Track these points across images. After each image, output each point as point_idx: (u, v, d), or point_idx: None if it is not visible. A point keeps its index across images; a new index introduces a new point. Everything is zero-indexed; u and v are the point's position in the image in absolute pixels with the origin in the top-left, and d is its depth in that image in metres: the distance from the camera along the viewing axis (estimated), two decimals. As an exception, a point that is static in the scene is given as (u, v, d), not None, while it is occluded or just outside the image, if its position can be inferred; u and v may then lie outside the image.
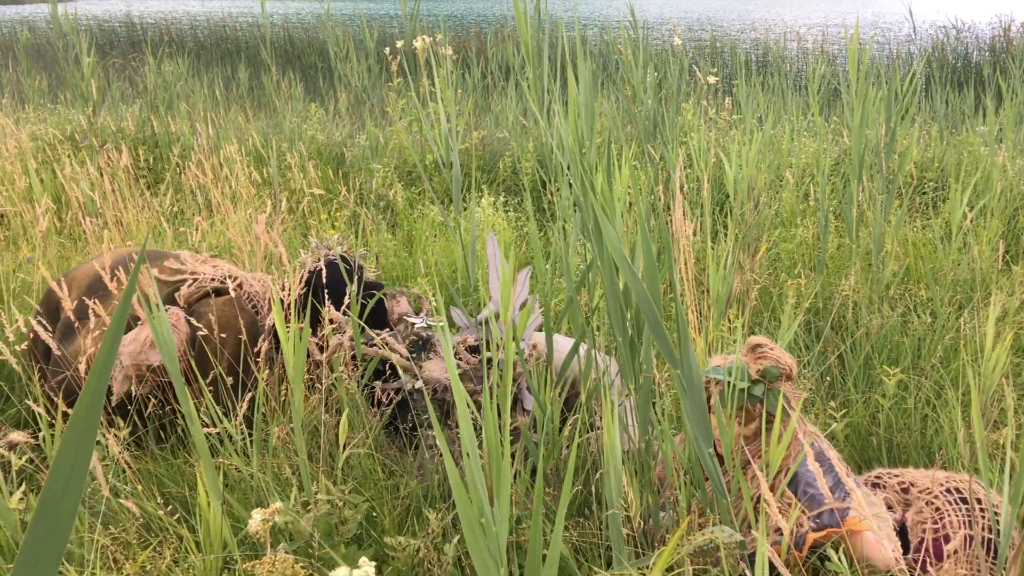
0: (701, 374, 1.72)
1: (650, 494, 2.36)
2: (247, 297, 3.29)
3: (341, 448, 2.51)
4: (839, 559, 1.82)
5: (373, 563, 1.46)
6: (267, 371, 3.03)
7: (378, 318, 3.27)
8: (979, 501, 2.42)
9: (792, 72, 11.77)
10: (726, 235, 4.59)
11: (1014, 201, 4.99)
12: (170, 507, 2.51)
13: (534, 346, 2.93)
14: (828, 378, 3.53)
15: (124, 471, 2.55)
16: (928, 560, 2.38)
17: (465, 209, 5.04)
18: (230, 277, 3.27)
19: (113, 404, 2.94)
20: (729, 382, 2.32)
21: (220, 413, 2.53)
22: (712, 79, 6.51)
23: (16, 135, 6.77)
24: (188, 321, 3.02)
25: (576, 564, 2.33)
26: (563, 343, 3.09)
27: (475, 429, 2.59)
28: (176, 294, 3.14)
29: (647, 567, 1.85)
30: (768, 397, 2.41)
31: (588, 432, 2.62)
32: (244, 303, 3.20)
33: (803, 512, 2.30)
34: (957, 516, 2.41)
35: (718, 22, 21.40)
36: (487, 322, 2.86)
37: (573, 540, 2.39)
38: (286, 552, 2.21)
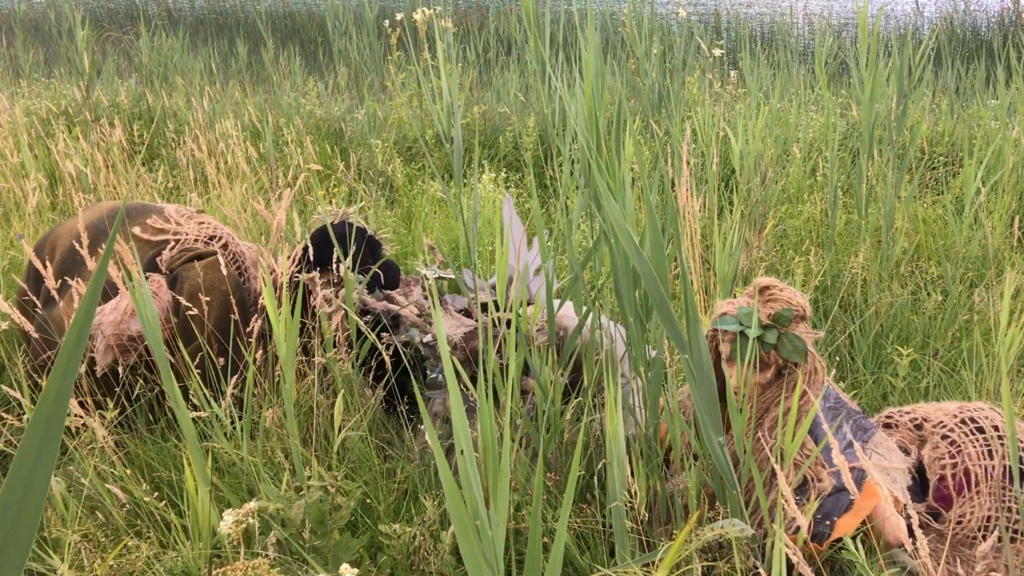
0: (710, 360, 1.62)
1: (657, 479, 2.28)
2: (232, 258, 3.19)
3: (336, 431, 2.43)
4: (855, 548, 1.73)
5: (355, 570, 1.38)
6: (259, 351, 2.94)
7: (391, 282, 3.20)
8: (996, 428, 2.31)
9: (798, 46, 11.60)
10: (732, 211, 4.48)
11: (1026, 176, 4.87)
12: (156, 493, 2.43)
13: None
14: (837, 358, 3.44)
15: (112, 454, 2.47)
16: (950, 497, 2.28)
17: (466, 185, 4.94)
18: (214, 237, 3.17)
19: (98, 375, 2.86)
20: (741, 332, 2.19)
21: (208, 394, 2.45)
22: (717, 51, 6.38)
23: (10, 110, 6.66)
24: (172, 287, 2.94)
25: (578, 551, 2.25)
26: (571, 310, 2.97)
27: (466, 403, 2.51)
28: (158, 259, 3.04)
29: (653, 564, 1.77)
30: (783, 343, 2.27)
31: (593, 414, 2.53)
32: (229, 266, 3.11)
33: (821, 469, 2.20)
34: (975, 448, 2.30)
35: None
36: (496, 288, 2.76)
37: (575, 526, 2.32)
38: (278, 539, 2.14)
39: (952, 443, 2.34)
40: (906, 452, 2.46)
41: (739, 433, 1.88)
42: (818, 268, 4.00)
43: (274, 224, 3.26)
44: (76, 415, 2.30)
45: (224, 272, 3.02)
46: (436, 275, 3.17)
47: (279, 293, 2.86)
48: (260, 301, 3.07)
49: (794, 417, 1.94)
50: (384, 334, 2.98)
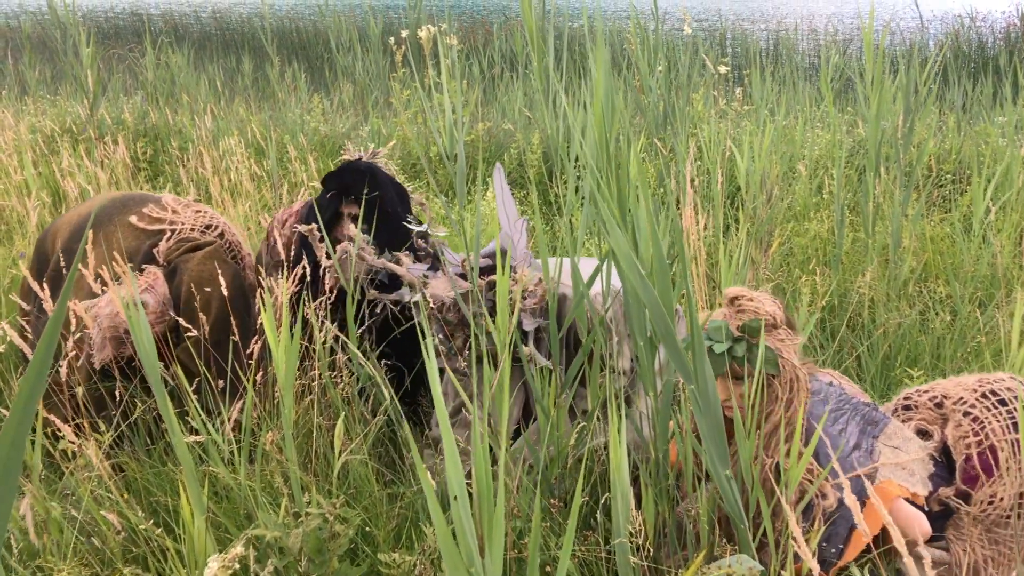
0: (718, 391, 1.58)
1: (666, 505, 2.23)
2: (228, 247, 3.19)
3: (337, 454, 2.39)
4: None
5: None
6: (259, 371, 2.90)
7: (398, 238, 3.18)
8: (1018, 399, 2.21)
9: (804, 62, 11.59)
10: (737, 229, 4.45)
11: (1035, 194, 4.83)
12: (153, 519, 2.39)
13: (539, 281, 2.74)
14: (845, 379, 3.40)
15: (108, 479, 2.43)
16: (978, 477, 2.19)
17: (469, 202, 4.91)
18: (210, 227, 3.16)
19: (97, 368, 2.83)
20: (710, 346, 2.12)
21: (205, 419, 2.41)
22: (723, 68, 6.36)
23: (14, 127, 6.67)
24: (170, 280, 2.94)
25: (582, 580, 2.21)
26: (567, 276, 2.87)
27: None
28: (155, 249, 3.03)
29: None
30: (755, 354, 2.14)
31: (598, 436, 2.49)
32: (225, 256, 3.09)
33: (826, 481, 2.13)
34: (999, 422, 2.21)
35: (727, 12, 21.20)
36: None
37: (579, 554, 2.27)
38: (275, 567, 2.10)
39: (975, 419, 2.25)
40: (926, 435, 2.36)
41: (746, 462, 1.83)
42: (825, 287, 3.95)
43: (280, 246, 3.23)
44: (70, 441, 2.27)
45: (222, 263, 3.01)
46: (425, 229, 3.09)
47: (279, 315, 2.83)
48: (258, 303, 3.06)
49: (783, 434, 1.88)
50: (376, 291, 2.94)
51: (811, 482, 2.10)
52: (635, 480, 2.49)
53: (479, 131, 6.68)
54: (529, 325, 2.61)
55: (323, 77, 11.65)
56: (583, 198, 2.43)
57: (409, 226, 3.04)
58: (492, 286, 2.56)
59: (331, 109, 8.50)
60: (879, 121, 3.90)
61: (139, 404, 2.79)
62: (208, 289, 2.91)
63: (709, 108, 6.38)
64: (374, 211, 3.09)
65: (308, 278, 3.07)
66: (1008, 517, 2.17)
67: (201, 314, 2.89)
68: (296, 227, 3.21)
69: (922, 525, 2.12)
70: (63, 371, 2.51)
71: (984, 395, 2.28)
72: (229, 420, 2.43)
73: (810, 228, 4.62)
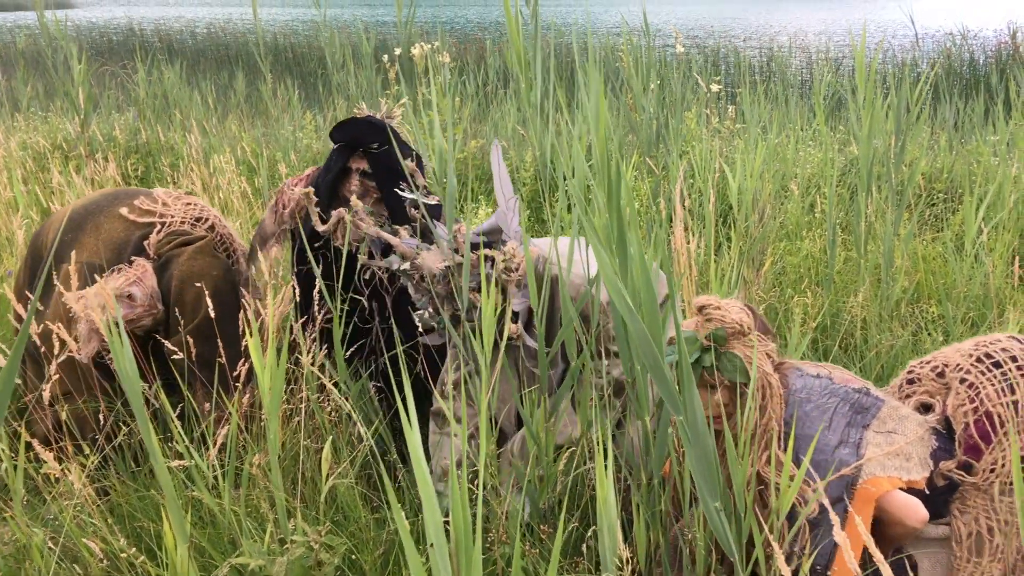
0: (706, 421, 1.56)
1: (658, 529, 2.20)
2: (220, 239, 3.19)
3: (324, 477, 2.36)
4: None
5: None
6: (246, 394, 2.87)
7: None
8: (1014, 359, 2.17)
9: (796, 80, 11.63)
10: (730, 248, 4.43)
11: (1027, 212, 4.83)
12: (135, 548, 2.35)
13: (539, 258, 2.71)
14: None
15: (91, 504, 2.40)
16: (978, 446, 2.13)
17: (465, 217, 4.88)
18: (200, 219, 3.17)
19: (84, 362, 2.83)
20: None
21: (189, 439, 2.38)
22: (715, 87, 6.37)
23: (4, 144, 6.64)
24: (160, 274, 2.97)
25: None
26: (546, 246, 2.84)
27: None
28: (145, 242, 3.03)
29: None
30: (723, 362, 2.14)
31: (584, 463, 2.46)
32: (216, 250, 3.10)
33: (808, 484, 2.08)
34: (994, 385, 2.15)
35: (720, 29, 21.30)
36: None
37: (567, 582, 2.24)
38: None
39: (970, 386, 2.19)
40: (930, 409, 2.30)
41: (739, 487, 1.81)
42: (817, 307, 3.94)
43: (266, 267, 3.21)
44: (52, 467, 2.23)
45: (213, 258, 3.03)
46: (416, 197, 3.04)
47: (265, 336, 2.81)
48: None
49: (760, 441, 1.84)
50: (364, 258, 2.92)
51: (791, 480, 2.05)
52: (627, 502, 2.46)
53: (471, 148, 6.67)
54: (519, 305, 2.59)
55: (316, 93, 11.64)
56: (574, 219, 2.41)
57: (401, 193, 3.00)
58: (484, 260, 2.54)
59: (324, 126, 8.48)
60: (871, 141, 3.90)
61: (123, 427, 2.76)
62: (198, 285, 2.93)
63: (702, 126, 6.39)
64: (385, 168, 3.05)
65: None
66: (1010, 483, 2.09)
67: (190, 310, 2.89)
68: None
69: (917, 512, 2.06)
70: (46, 394, 2.47)
71: (979, 359, 2.22)
72: (215, 445, 2.39)
73: (802, 247, 4.62)
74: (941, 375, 2.29)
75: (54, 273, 2.97)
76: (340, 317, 2.81)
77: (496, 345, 2.48)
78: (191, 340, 2.88)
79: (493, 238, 2.61)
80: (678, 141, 5.70)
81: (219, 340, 2.88)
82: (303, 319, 3.11)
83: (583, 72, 2.66)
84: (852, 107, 4.21)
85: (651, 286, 1.49)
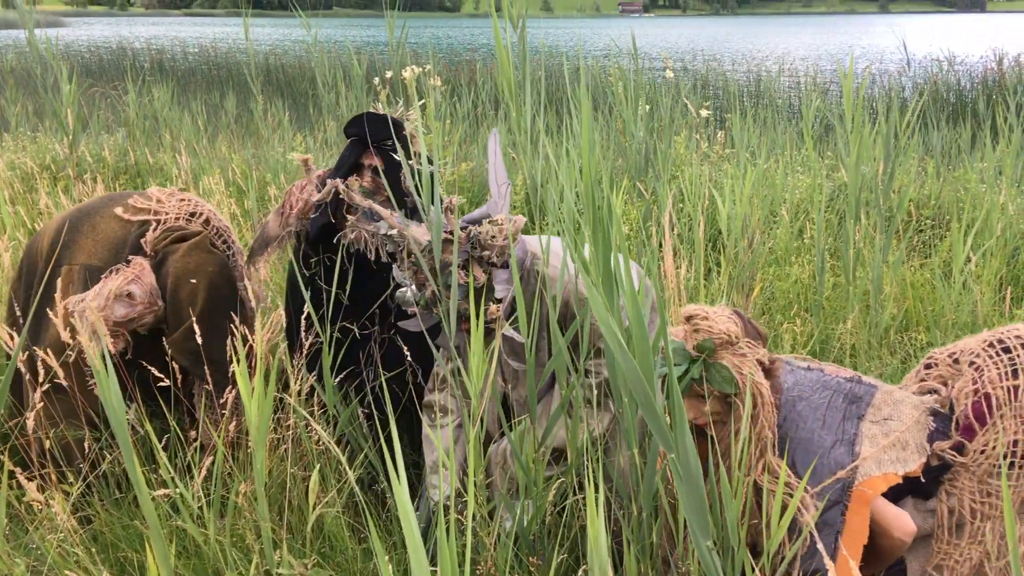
0: (699, 462, 1.54)
1: (648, 563, 2.18)
2: (216, 233, 3.19)
3: (311, 507, 2.33)
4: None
5: None
6: (233, 421, 2.84)
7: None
8: None
9: (785, 105, 11.71)
10: (719, 273, 4.44)
11: (1014, 240, 4.85)
12: (119, 579, 2.32)
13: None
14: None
15: (74, 534, 2.36)
16: (972, 427, 2.13)
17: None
18: (195, 214, 3.18)
19: (84, 364, 2.87)
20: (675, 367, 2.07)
21: (175, 426, 2.35)
22: (704, 112, 6.40)
23: (-8, 164, 6.61)
24: (157, 270, 2.99)
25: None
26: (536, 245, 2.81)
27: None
28: (142, 240, 3.05)
29: None
30: (711, 374, 2.12)
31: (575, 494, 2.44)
32: (212, 245, 3.12)
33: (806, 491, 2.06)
34: (998, 369, 2.16)
35: (709, 53, 21.45)
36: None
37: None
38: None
39: (977, 368, 2.20)
40: (935, 393, 2.30)
41: (733, 522, 1.79)
42: (806, 334, 3.94)
43: (251, 291, 3.19)
44: (35, 498, 2.20)
45: (209, 253, 3.05)
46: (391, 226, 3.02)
47: (252, 362, 2.79)
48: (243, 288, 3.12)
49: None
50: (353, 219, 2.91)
51: (790, 495, 2.04)
52: (618, 533, 2.45)
53: (461, 170, 6.67)
54: (502, 291, 2.58)
55: (307, 115, 11.64)
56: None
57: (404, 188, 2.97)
58: (470, 237, 2.54)
59: (315, 147, 8.48)
60: (859, 169, 3.91)
61: (107, 455, 2.72)
62: (193, 281, 2.95)
63: (691, 151, 6.41)
64: (398, 169, 3.03)
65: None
66: (999, 466, 2.10)
67: (186, 307, 2.91)
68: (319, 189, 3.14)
69: (906, 526, 2.06)
70: (30, 423, 2.44)
71: (991, 344, 2.24)
72: (200, 474, 2.37)
73: (791, 273, 4.62)
74: (957, 361, 2.30)
75: (51, 275, 2.98)
76: (330, 342, 2.80)
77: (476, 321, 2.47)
78: (188, 336, 2.88)
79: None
80: (667, 166, 5.72)
81: (215, 336, 2.88)
82: (292, 342, 3.09)
83: (574, 99, 2.67)
84: (840, 133, 4.22)
85: (643, 323, 1.49)
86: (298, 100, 14.37)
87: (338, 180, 2.92)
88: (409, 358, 2.90)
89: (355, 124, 3.08)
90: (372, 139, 3.04)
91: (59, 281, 2.91)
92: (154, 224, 3.09)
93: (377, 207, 2.69)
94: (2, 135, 8.45)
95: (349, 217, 2.92)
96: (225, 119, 10.01)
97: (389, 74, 7.11)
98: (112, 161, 7.03)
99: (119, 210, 3.12)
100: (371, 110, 3.16)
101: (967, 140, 7.31)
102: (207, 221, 3.20)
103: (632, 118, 5.56)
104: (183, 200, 3.22)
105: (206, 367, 2.88)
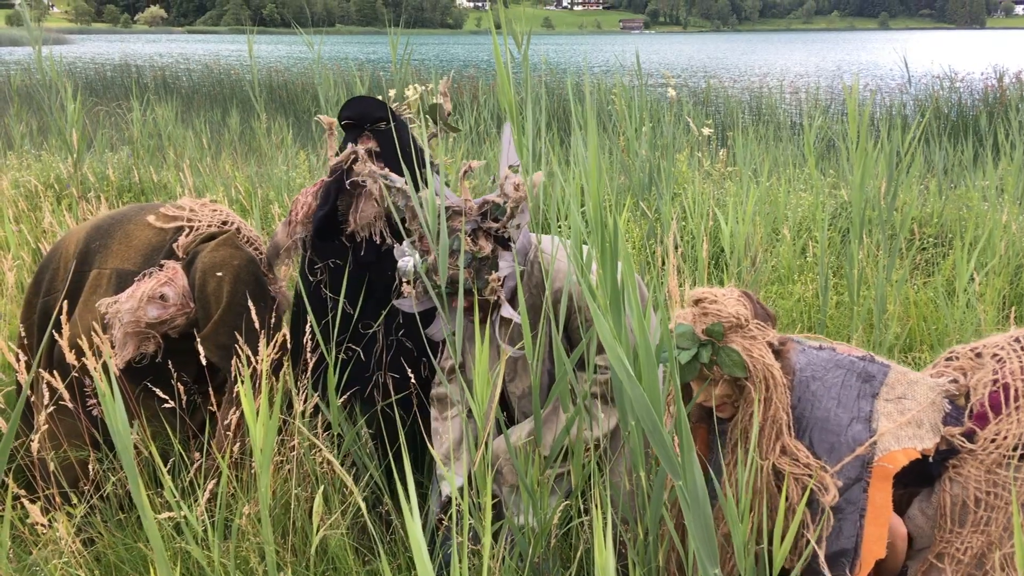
0: (705, 487, 1.54)
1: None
2: (246, 240, 3.24)
3: (315, 528, 2.32)
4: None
5: None
6: (236, 442, 2.84)
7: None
8: None
9: (787, 122, 11.74)
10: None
11: (1017, 258, 4.85)
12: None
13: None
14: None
15: (77, 557, 2.36)
16: (986, 415, 2.11)
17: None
18: (227, 223, 3.23)
19: (119, 367, 2.89)
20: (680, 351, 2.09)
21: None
22: (707, 130, 6.42)
23: (-4, 183, 6.63)
24: (188, 270, 3.03)
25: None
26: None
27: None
28: (175, 244, 3.10)
29: None
30: (721, 357, 2.11)
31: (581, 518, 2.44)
32: (241, 241, 3.16)
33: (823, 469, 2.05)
34: (1020, 362, 2.14)
35: (710, 69, 21.53)
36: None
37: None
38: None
39: (999, 360, 2.19)
40: (953, 381, 2.29)
41: (739, 547, 1.78)
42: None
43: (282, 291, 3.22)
44: (38, 522, 2.20)
45: (236, 249, 3.08)
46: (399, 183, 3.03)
47: (257, 382, 2.79)
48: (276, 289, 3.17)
49: (769, 435, 1.81)
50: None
51: (810, 476, 2.04)
52: (623, 555, 2.44)
53: (464, 188, 6.67)
54: (506, 268, 2.57)
55: (310, 132, 11.69)
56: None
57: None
58: (481, 206, 2.59)
59: (318, 165, 8.51)
60: (863, 188, 3.92)
61: (111, 477, 2.72)
62: (219, 274, 2.98)
63: (694, 169, 6.42)
64: (392, 149, 3.04)
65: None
66: (1009, 457, 2.07)
67: (214, 300, 2.94)
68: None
69: (894, 528, 2.07)
70: (35, 445, 2.44)
71: (1017, 339, 2.23)
72: (204, 496, 2.36)
73: (794, 291, 4.62)
74: (979, 355, 2.29)
75: (77, 279, 3.01)
76: (336, 358, 2.80)
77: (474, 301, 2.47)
78: (217, 330, 2.91)
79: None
80: (670, 184, 5.73)
81: (243, 328, 2.91)
82: (296, 361, 3.08)
83: (578, 119, 2.68)
84: (843, 151, 4.23)
85: (650, 350, 1.49)
86: (301, 117, 14.43)
87: (358, 147, 2.94)
88: (416, 353, 2.93)
89: (348, 107, 3.13)
90: (364, 119, 3.07)
91: (87, 285, 2.94)
92: (187, 230, 3.14)
93: (390, 173, 2.70)
94: (7, 153, 8.48)
95: (361, 173, 2.93)
96: (228, 137, 10.04)
97: (392, 92, 7.14)
98: (116, 180, 7.04)
99: (152, 218, 3.17)
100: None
101: (969, 157, 7.33)
102: (238, 230, 3.25)
103: (635, 136, 5.57)
104: (215, 210, 3.27)
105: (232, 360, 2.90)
